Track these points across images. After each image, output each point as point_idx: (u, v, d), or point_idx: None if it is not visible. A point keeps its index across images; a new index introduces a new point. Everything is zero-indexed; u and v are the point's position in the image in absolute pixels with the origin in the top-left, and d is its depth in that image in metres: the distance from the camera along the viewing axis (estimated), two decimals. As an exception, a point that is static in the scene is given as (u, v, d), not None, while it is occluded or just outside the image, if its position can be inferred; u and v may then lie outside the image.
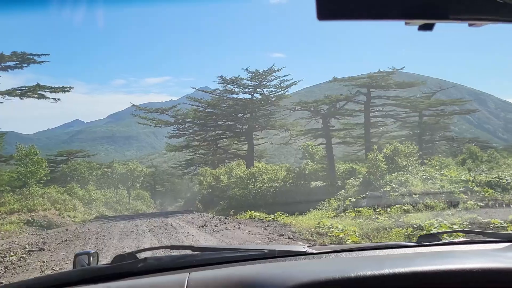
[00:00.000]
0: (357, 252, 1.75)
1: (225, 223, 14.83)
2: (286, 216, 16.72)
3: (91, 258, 1.79)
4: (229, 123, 33.43)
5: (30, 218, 21.96)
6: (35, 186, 25.77)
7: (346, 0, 0.75)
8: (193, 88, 45.59)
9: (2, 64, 23.59)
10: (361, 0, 0.76)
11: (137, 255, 1.63)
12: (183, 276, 1.37)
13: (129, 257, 1.60)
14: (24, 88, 23.42)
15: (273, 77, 32.35)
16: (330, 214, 16.78)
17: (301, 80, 38.10)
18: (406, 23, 0.79)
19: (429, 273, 1.22)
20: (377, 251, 1.77)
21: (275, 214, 16.53)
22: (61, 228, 19.32)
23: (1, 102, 24.56)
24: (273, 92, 33.39)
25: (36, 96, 23.84)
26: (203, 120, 32.70)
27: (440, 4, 0.76)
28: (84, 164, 44.91)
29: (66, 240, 12.86)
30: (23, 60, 23.84)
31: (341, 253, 1.74)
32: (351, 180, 20.87)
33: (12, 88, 23.19)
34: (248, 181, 26.57)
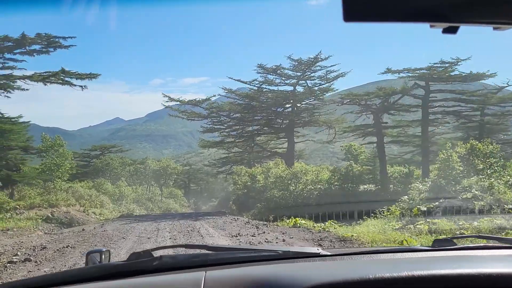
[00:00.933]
0: (372, 255, 1.69)
1: (264, 232, 11.87)
2: (340, 225, 13.54)
3: (103, 256, 1.79)
4: (268, 117, 30.46)
5: (50, 214, 19.98)
6: (59, 180, 23.93)
7: (371, 2, 0.76)
8: (229, 78, 43.01)
9: (27, 48, 21.88)
10: (387, 2, 0.76)
11: (153, 253, 1.60)
12: (200, 275, 1.37)
13: (144, 254, 1.59)
14: (48, 73, 21.52)
15: (318, 67, 29.03)
16: (394, 225, 13.47)
17: (349, 72, 34.45)
18: (431, 26, 0.80)
19: (447, 276, 1.22)
20: (392, 254, 1.70)
21: (326, 223, 13.38)
22: (78, 228, 17.11)
23: (27, 89, 22.99)
24: (318, 85, 30.09)
25: (60, 82, 21.92)
26: (239, 113, 29.93)
27: (464, 7, 0.76)
28: (117, 159, 43.43)
29: (68, 246, 10.36)
30: (48, 43, 22.02)
31: (356, 255, 1.69)
32: (416, 184, 17.28)
33: (35, 72, 21.35)
34: (289, 182, 23.53)
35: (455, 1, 0.76)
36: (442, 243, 1.82)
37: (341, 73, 29.91)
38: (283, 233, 11.60)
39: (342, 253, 1.71)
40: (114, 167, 42.13)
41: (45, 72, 21.75)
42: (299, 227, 13.38)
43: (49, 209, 20.79)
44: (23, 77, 20.89)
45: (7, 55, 21.74)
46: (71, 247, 10.21)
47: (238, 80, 28.97)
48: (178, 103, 29.30)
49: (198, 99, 29.32)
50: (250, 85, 29.68)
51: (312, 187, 23.76)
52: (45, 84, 21.82)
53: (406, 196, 16.88)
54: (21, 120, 22.33)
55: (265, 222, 15.71)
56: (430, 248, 1.79)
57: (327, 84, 29.79)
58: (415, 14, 0.76)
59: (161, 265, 1.51)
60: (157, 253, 1.59)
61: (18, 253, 9.70)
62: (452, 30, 0.80)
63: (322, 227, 12.83)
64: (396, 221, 14.09)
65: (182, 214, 25.60)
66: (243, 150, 36.27)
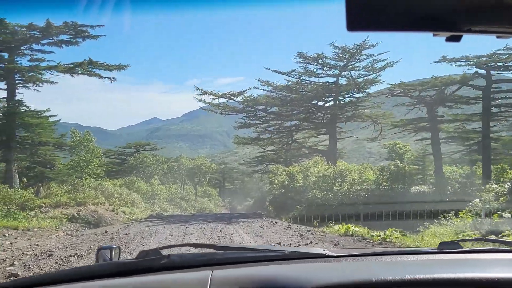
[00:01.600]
0: (378, 257, 1.69)
1: (311, 242, 9.68)
2: (402, 234, 11.11)
3: (113, 253, 1.80)
4: (308, 111, 28.09)
5: (76, 213, 18.73)
6: (87, 177, 22.78)
7: (375, 12, 0.76)
8: (266, 68, 40.93)
9: (55, 38, 20.80)
10: (390, 12, 0.76)
11: (161, 251, 1.61)
12: (207, 274, 1.38)
13: (152, 253, 1.60)
14: (74, 63, 20.30)
15: (364, 56, 26.35)
16: (470, 234, 10.88)
17: (399, 61, 31.48)
18: (434, 35, 0.81)
19: (451, 280, 1.21)
20: (398, 256, 1.68)
21: (386, 232, 10.97)
22: (102, 229, 15.62)
23: (56, 82, 21.97)
24: (363, 76, 27.39)
25: (87, 73, 20.65)
26: (276, 107, 27.76)
27: (466, 17, 0.77)
28: (150, 157, 42.51)
29: (75, 255, 8.65)
30: (76, 33, 20.84)
31: (361, 257, 1.69)
32: (493, 186, 14.43)
33: (59, 62, 20.19)
34: (334, 181, 21.14)
35: (458, 10, 0.76)
36: (448, 246, 1.78)
37: (389, 62, 27.05)
38: (334, 244, 9.37)
39: (348, 254, 1.72)
40: (148, 165, 41.19)
41: (71, 63, 20.54)
42: (352, 235, 11.07)
43: (76, 207, 19.56)
44: (48, 67, 19.75)
45: (34, 46, 20.75)
46: (78, 256, 8.47)
47: (276, 71, 26.72)
48: (212, 97, 27.51)
49: (232, 92, 27.41)
50: (289, 76, 27.36)
51: (359, 188, 21.28)
52: (72, 76, 20.65)
53: (478, 199, 14.14)
54: (47, 114, 21.23)
55: (309, 228, 13.47)
56: (436, 250, 1.74)
57: (373, 75, 27.05)
58: (418, 23, 0.77)
59: (168, 264, 1.53)
60: (165, 252, 1.58)
61: (15, 262, 8.07)
62: (455, 39, 0.81)
63: (382, 236, 10.46)
64: (471, 229, 11.50)
65: (215, 215, 23.84)
66: (280, 148, 34.09)
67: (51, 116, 21.58)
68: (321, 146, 30.18)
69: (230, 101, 27.76)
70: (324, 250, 1.72)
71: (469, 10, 0.76)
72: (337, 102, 27.54)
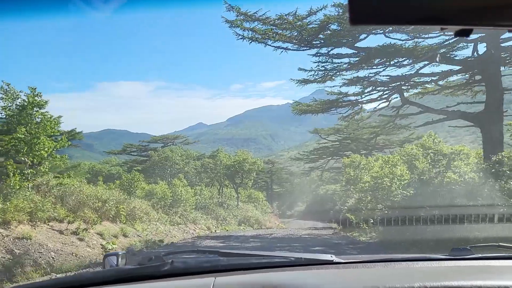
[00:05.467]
0: (386, 263, 1.63)
1: None
2: None
3: (119, 259, 1.75)
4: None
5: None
6: (16, 172, 12.20)
7: (379, 5, 0.72)
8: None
9: None
10: (394, 5, 0.73)
11: (164, 257, 1.60)
12: (209, 281, 1.37)
13: (156, 259, 1.59)
14: None
15: None
16: None
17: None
18: (442, 29, 0.79)
19: None
20: (407, 263, 1.63)
21: None
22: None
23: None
24: None
25: None
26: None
27: (476, 10, 0.73)
28: (178, 151, 33.20)
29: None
30: None
31: (369, 263, 1.64)
32: None
33: None
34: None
35: (467, 4, 0.72)
36: (459, 252, 1.72)
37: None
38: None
39: (355, 261, 1.67)
40: (175, 161, 31.85)
41: None
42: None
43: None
44: None
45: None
46: None
47: None
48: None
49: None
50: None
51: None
52: None
53: None
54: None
55: None
56: (447, 257, 1.69)
57: None
58: (426, 17, 0.72)
59: (172, 270, 1.51)
60: (168, 258, 1.58)
61: None
62: (464, 33, 0.77)
63: None
64: None
65: (265, 239, 13.77)
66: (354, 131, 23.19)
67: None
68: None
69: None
70: (331, 257, 1.66)
71: (478, 3, 0.71)
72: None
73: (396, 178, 14.92)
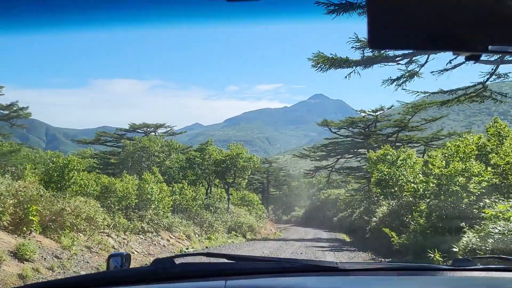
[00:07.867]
0: (390, 271, 1.65)
1: None
2: None
3: (124, 260, 1.77)
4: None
5: None
6: None
7: (396, 30, 0.77)
8: None
9: None
10: (411, 31, 0.77)
11: (175, 260, 1.59)
12: (220, 284, 1.38)
13: (167, 261, 1.57)
14: None
15: None
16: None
17: None
18: (454, 53, 0.82)
19: None
20: (410, 272, 1.66)
21: None
22: None
23: None
24: None
25: None
26: None
27: (486, 37, 0.77)
28: (158, 141, 27.43)
29: None
30: None
31: (374, 271, 1.66)
32: None
33: None
34: None
35: (477, 30, 0.75)
36: (461, 263, 1.72)
37: None
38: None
39: (360, 268, 1.68)
40: (153, 152, 26.10)
41: None
42: None
43: None
44: None
45: None
46: None
47: None
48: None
49: None
50: None
51: None
52: None
53: None
54: None
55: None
56: (450, 267, 1.69)
57: None
58: (439, 42, 0.77)
59: (182, 273, 1.52)
60: (179, 261, 1.58)
61: None
62: (474, 58, 0.80)
63: None
64: None
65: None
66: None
67: None
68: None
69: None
70: (336, 263, 1.67)
71: (488, 29, 0.75)
72: None
73: (473, 178, 9.38)
